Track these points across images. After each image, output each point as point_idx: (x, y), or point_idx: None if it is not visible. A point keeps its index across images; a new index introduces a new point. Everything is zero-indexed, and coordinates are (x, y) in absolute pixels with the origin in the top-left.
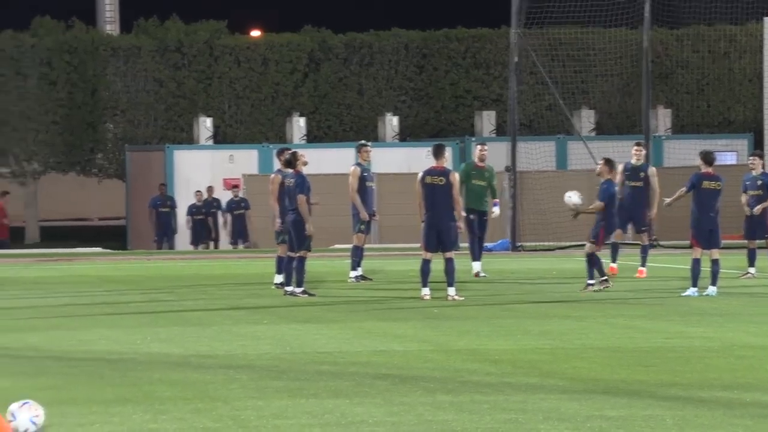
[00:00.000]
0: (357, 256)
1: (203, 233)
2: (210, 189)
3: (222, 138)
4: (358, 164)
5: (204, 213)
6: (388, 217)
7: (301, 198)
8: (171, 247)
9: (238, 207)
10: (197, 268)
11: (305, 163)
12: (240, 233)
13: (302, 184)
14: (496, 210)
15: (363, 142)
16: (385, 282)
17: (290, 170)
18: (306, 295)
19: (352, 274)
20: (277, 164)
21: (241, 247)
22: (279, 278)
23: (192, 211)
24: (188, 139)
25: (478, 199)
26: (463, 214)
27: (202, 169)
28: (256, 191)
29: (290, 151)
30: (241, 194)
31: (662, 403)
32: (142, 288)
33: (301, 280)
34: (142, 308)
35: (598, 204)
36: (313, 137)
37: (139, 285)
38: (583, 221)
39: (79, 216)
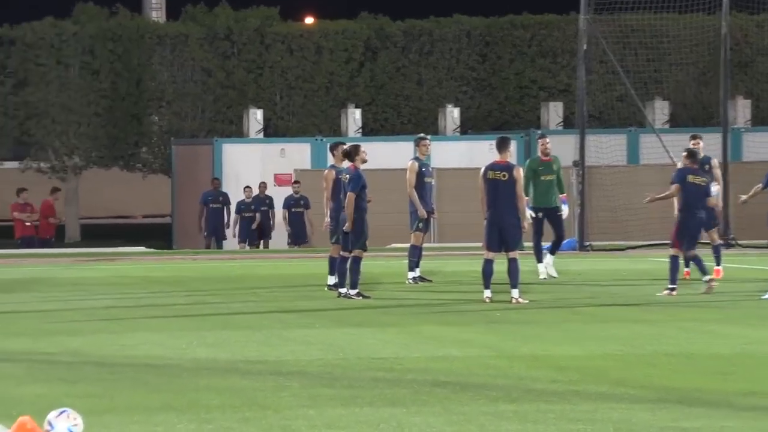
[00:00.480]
0: (415, 256)
1: (252, 232)
2: (263, 186)
3: (273, 131)
4: (417, 159)
5: (253, 210)
6: (447, 214)
7: (350, 196)
8: (220, 246)
9: (297, 204)
10: (246, 269)
11: (364, 161)
12: (298, 234)
13: (357, 180)
14: (564, 209)
15: (422, 135)
16: (445, 283)
17: (345, 165)
18: (361, 297)
19: (410, 275)
20: (330, 159)
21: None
22: (332, 279)
23: (240, 208)
24: (237, 132)
25: (547, 195)
26: (531, 214)
27: (251, 164)
28: (308, 187)
29: (352, 144)
30: (300, 191)
31: (741, 413)
32: (188, 289)
33: (356, 281)
34: (188, 311)
35: (673, 188)
36: (369, 130)
37: (184, 286)
38: (660, 218)
39: (122, 213)
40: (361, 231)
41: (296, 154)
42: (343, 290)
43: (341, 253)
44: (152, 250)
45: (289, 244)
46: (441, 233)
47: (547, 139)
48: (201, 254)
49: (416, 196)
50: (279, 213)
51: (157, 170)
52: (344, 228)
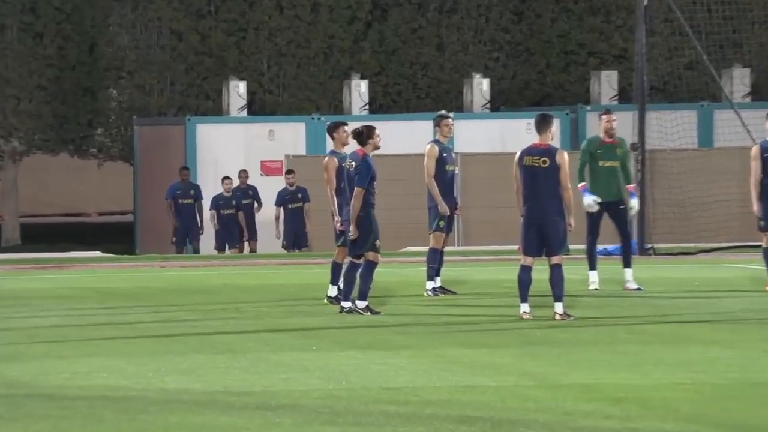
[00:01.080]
0: (435, 262)
1: (233, 233)
2: (243, 174)
3: (259, 108)
4: (437, 142)
5: (234, 206)
6: (474, 210)
7: (358, 192)
8: (195, 250)
9: (294, 199)
10: (227, 278)
11: (377, 147)
12: (298, 234)
13: (366, 171)
14: (634, 203)
15: (443, 112)
16: (472, 296)
17: (345, 150)
18: (369, 313)
19: (429, 285)
20: (329, 144)
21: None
22: (333, 290)
23: (218, 203)
24: (215, 110)
25: (607, 185)
26: (593, 200)
27: (233, 149)
28: (302, 177)
29: (365, 125)
30: (296, 182)
31: None
32: (155, 304)
33: (366, 292)
34: (155, 330)
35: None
36: (378, 106)
37: (150, 300)
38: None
39: (73, 210)
40: (369, 230)
41: (288, 137)
42: (347, 304)
43: (350, 259)
44: (110, 255)
45: (285, 247)
46: (467, 234)
47: (613, 117)
48: (171, 260)
49: (436, 188)
50: (268, 209)
51: (115, 156)
52: (343, 230)
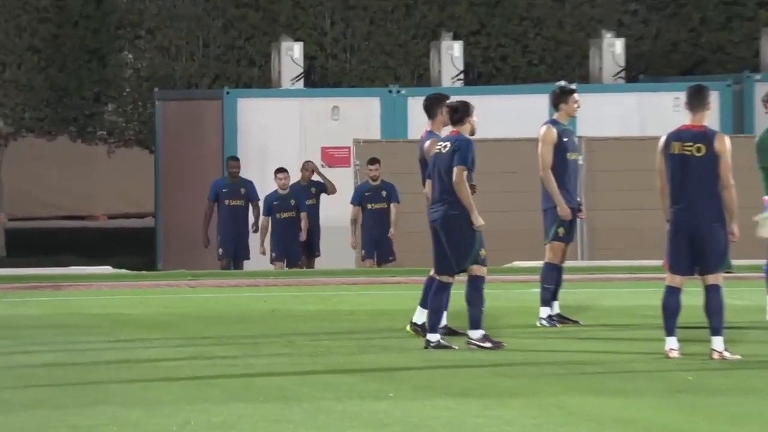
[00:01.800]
0: (552, 281)
1: (293, 243)
2: (308, 166)
3: (320, 78)
4: (555, 123)
5: (294, 207)
6: (604, 213)
7: (460, 171)
8: (240, 266)
9: (377, 197)
10: (278, 303)
11: (473, 131)
12: (377, 244)
13: (466, 149)
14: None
15: (563, 84)
16: (600, 327)
17: (434, 130)
18: (490, 345)
19: (544, 312)
20: (422, 123)
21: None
22: (422, 316)
23: (272, 205)
24: (262, 80)
25: None
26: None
27: (285, 132)
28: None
29: (461, 100)
30: (379, 176)
31: None
32: (183, 336)
33: (479, 318)
34: (183, 371)
35: None
36: (476, 76)
37: (177, 331)
38: None
39: (75, 212)
40: (470, 237)
41: (358, 116)
42: (434, 337)
43: (439, 276)
44: (124, 271)
45: (366, 259)
46: (593, 245)
47: None
48: (204, 278)
49: (554, 185)
50: (341, 210)
51: (131, 141)
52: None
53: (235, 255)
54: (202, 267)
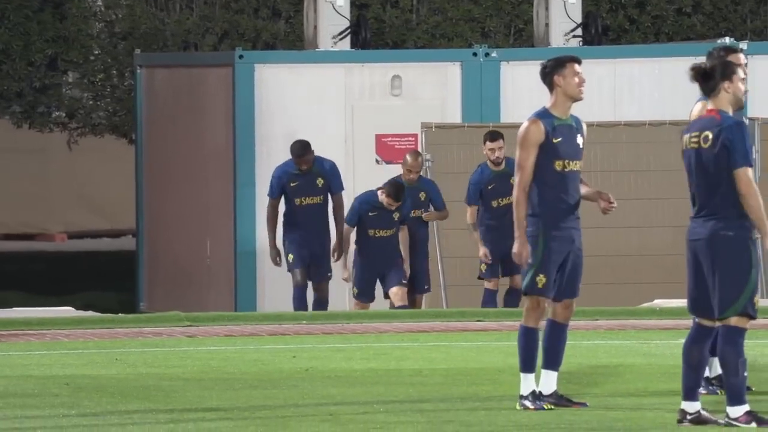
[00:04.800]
0: None
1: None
2: (414, 158)
3: (373, 36)
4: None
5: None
6: None
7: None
8: (320, 298)
9: (502, 189)
10: (314, 358)
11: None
12: (505, 255)
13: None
14: None
15: (727, 43)
16: None
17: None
18: (755, 425)
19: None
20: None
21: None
22: (550, 382)
23: (365, 215)
24: (290, 38)
25: None
26: None
27: (323, 112)
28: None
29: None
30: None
31: None
32: (177, 407)
33: (742, 390)
34: None
35: None
36: (600, 31)
37: (168, 400)
38: None
39: (20, 229)
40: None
41: (428, 89)
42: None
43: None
44: (91, 314)
45: (492, 279)
46: None
47: None
48: (206, 323)
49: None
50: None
51: (100, 127)
52: None
53: (314, 272)
54: (205, 306)
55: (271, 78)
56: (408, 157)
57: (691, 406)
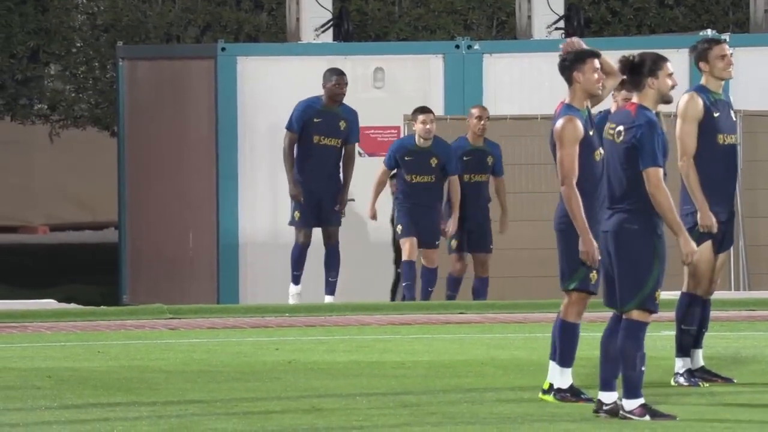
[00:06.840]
0: (693, 321)
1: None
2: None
3: (355, 28)
4: (701, 90)
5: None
6: None
7: (653, 173)
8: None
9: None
10: (298, 350)
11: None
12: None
13: (652, 132)
14: None
15: (710, 35)
16: (765, 387)
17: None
18: (648, 417)
19: (680, 365)
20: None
21: None
22: (566, 377)
23: (402, 159)
24: (273, 30)
25: None
26: None
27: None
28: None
29: (650, 53)
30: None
31: None
32: (160, 400)
33: (636, 382)
34: None
35: None
36: (583, 23)
37: (151, 393)
38: None
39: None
40: (654, 261)
41: (409, 83)
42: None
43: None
44: (74, 306)
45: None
46: (754, 268)
47: None
48: (189, 316)
49: (696, 179)
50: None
51: (83, 119)
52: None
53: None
54: (188, 299)
55: (254, 70)
56: (473, 110)
57: (608, 397)
